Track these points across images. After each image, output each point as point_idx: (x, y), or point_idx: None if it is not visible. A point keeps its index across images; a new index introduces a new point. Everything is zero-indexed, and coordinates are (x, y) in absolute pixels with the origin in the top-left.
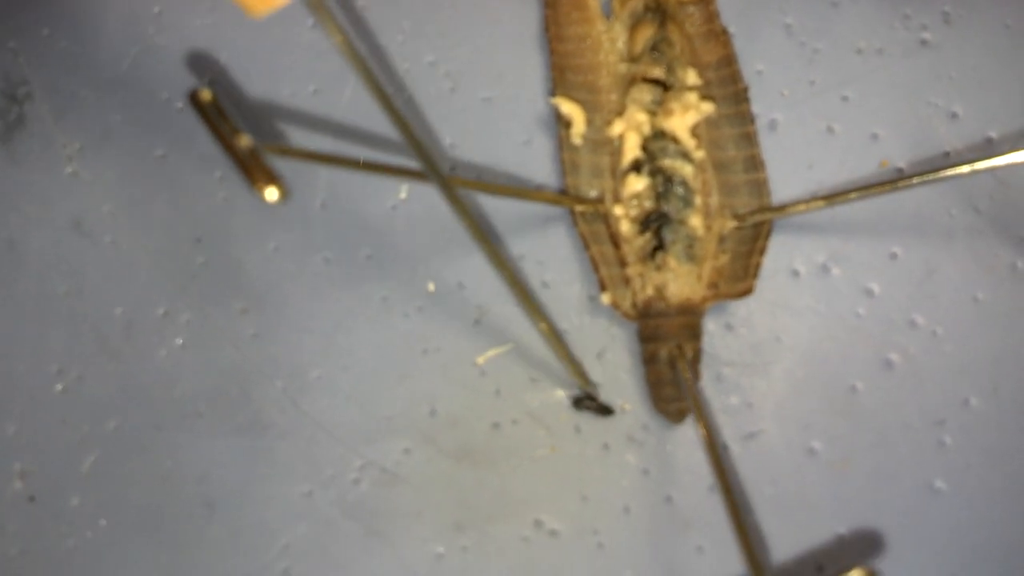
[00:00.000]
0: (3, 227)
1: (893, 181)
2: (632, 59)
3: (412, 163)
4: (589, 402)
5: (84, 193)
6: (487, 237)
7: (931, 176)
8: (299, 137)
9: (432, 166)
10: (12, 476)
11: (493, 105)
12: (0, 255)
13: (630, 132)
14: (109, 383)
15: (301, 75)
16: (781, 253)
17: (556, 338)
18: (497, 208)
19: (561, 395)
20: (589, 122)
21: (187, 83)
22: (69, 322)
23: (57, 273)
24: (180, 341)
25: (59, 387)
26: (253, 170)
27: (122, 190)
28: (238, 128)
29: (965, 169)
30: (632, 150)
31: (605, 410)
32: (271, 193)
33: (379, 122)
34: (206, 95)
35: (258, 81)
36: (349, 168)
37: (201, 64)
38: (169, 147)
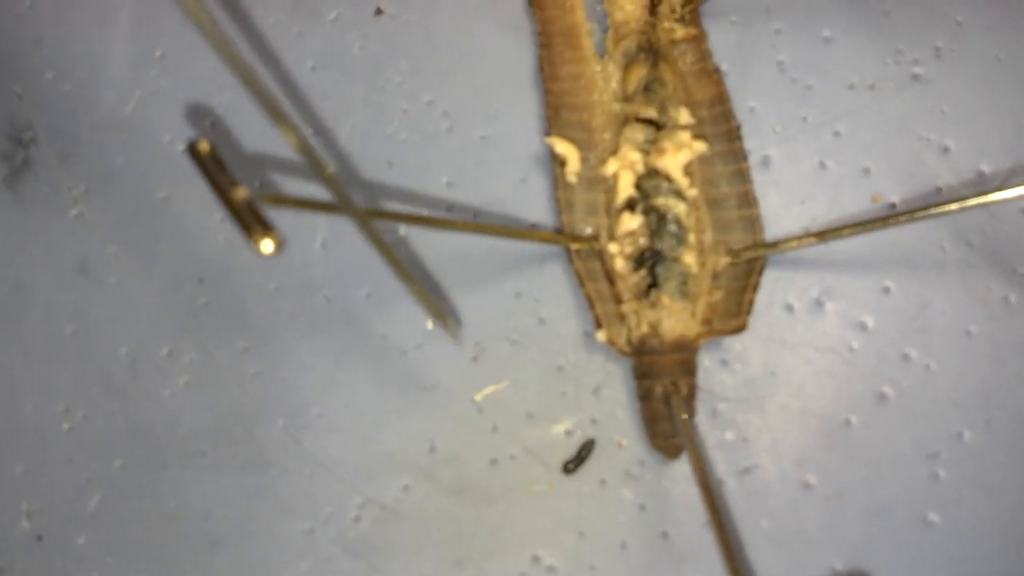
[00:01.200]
0: (10, 268)
1: (885, 218)
2: (626, 98)
3: (407, 204)
4: (578, 458)
5: (89, 235)
6: (402, 264)
7: (923, 213)
8: (299, 178)
9: (346, 200)
10: (20, 515)
11: (489, 144)
12: (7, 296)
13: (624, 171)
14: (115, 422)
15: (300, 117)
16: (775, 288)
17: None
18: (494, 246)
19: (558, 431)
20: (584, 160)
21: (189, 126)
22: (75, 362)
23: (63, 313)
24: (184, 380)
25: (66, 426)
26: (249, 223)
27: (126, 232)
28: (235, 180)
29: (955, 206)
30: (626, 188)
31: (589, 446)
32: (266, 246)
33: (378, 163)
34: (204, 147)
35: (258, 123)
36: (345, 215)
37: (202, 107)
38: (171, 189)
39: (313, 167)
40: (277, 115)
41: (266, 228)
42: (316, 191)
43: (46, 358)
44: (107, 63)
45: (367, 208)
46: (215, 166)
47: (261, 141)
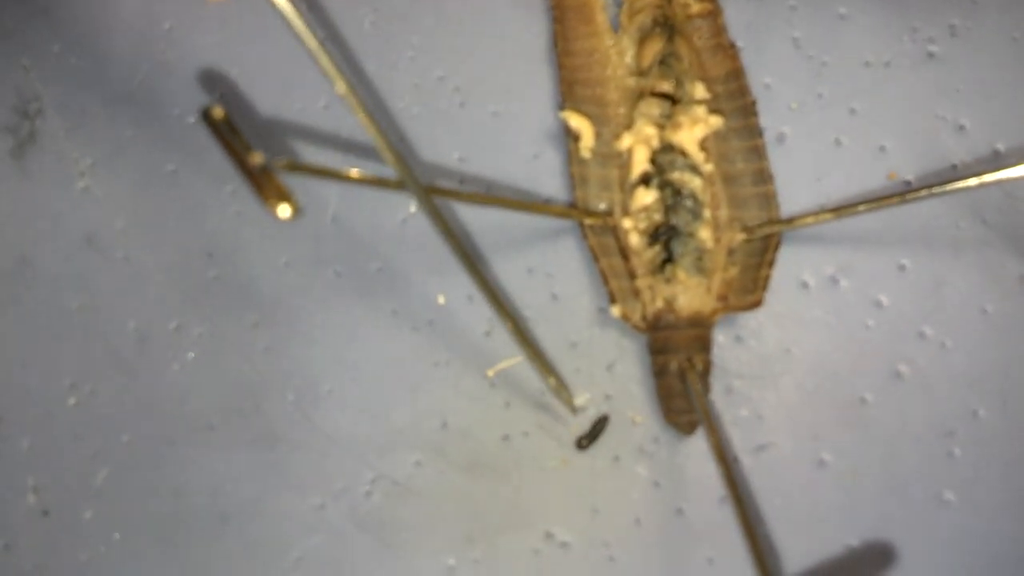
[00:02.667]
0: (16, 243)
1: (901, 194)
2: (640, 73)
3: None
4: (592, 434)
5: (96, 208)
6: (470, 256)
7: (939, 189)
8: (310, 151)
9: (411, 177)
10: (26, 490)
11: (502, 119)
12: (13, 270)
13: (639, 145)
14: (122, 397)
15: (311, 90)
16: (790, 265)
17: (542, 361)
18: (507, 221)
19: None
20: (598, 135)
21: (198, 99)
22: (82, 337)
23: (70, 288)
24: (192, 355)
25: (72, 401)
26: (265, 187)
27: (134, 205)
28: (250, 145)
29: (973, 182)
30: (641, 163)
31: (603, 422)
32: (283, 210)
33: (390, 136)
34: (218, 112)
35: (268, 96)
36: (360, 183)
37: (212, 80)
38: (180, 162)
39: (379, 145)
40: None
41: (282, 193)
42: (329, 164)
43: (53, 333)
44: (115, 36)
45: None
46: (229, 132)
47: (270, 113)
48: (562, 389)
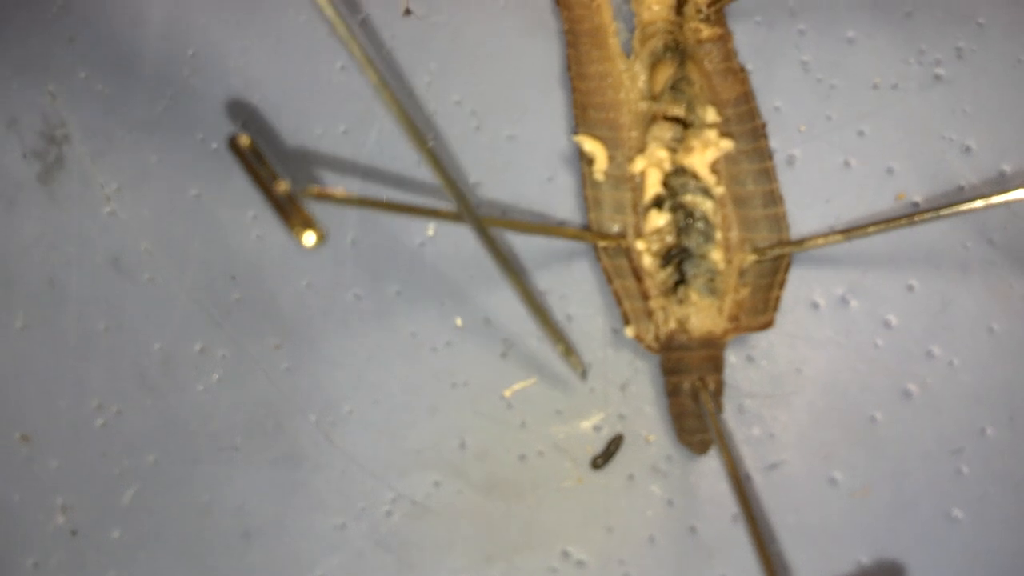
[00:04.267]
0: (44, 266)
1: (909, 216)
2: (653, 97)
3: (441, 203)
4: (607, 454)
5: (122, 232)
6: (515, 271)
7: (947, 211)
8: (330, 175)
9: (468, 208)
10: (55, 510)
11: (517, 143)
12: (41, 293)
13: (651, 169)
14: (148, 418)
15: (331, 115)
16: (800, 286)
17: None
18: (522, 244)
19: (586, 426)
20: (611, 159)
21: (221, 124)
22: (108, 358)
23: (96, 310)
24: (216, 376)
25: (99, 422)
26: (291, 215)
27: (159, 229)
28: (276, 173)
29: (979, 204)
30: (653, 186)
31: (617, 441)
32: (308, 238)
33: (406, 160)
34: (245, 140)
35: (290, 121)
36: (383, 210)
37: (235, 105)
38: (204, 187)
39: (442, 181)
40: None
41: (307, 221)
42: (348, 188)
43: (80, 354)
44: (140, 62)
45: (485, 216)
46: (256, 160)
47: (293, 139)
48: (571, 354)
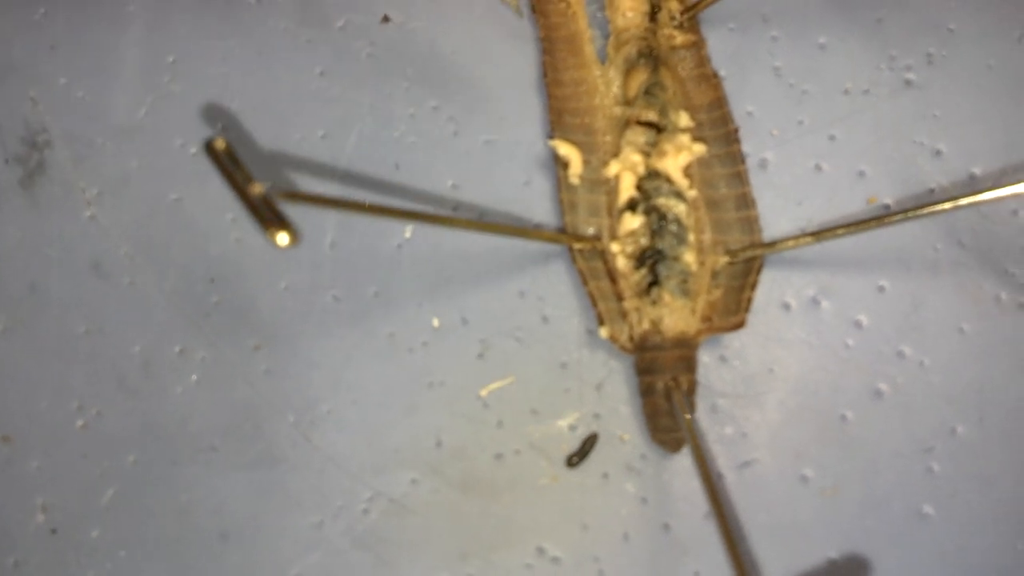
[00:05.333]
0: (26, 270)
1: (879, 218)
2: (627, 103)
3: (417, 205)
4: (582, 452)
5: (102, 236)
6: None
7: (915, 213)
8: (309, 179)
9: None
10: (35, 509)
11: (494, 147)
12: (23, 297)
13: (625, 172)
14: (128, 419)
15: (310, 121)
16: (772, 287)
17: None
18: (499, 246)
19: (562, 426)
20: (586, 163)
21: (200, 129)
22: (89, 361)
23: (77, 313)
24: (195, 378)
25: (80, 423)
26: (265, 217)
27: (139, 233)
28: (251, 176)
29: (948, 206)
30: (627, 190)
31: (592, 440)
32: (282, 238)
33: (385, 164)
34: (220, 144)
35: (269, 127)
36: (356, 211)
37: (214, 111)
38: (183, 191)
39: None
40: None
41: (282, 222)
42: (326, 191)
43: (61, 357)
44: (120, 69)
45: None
46: (231, 163)
47: (272, 144)
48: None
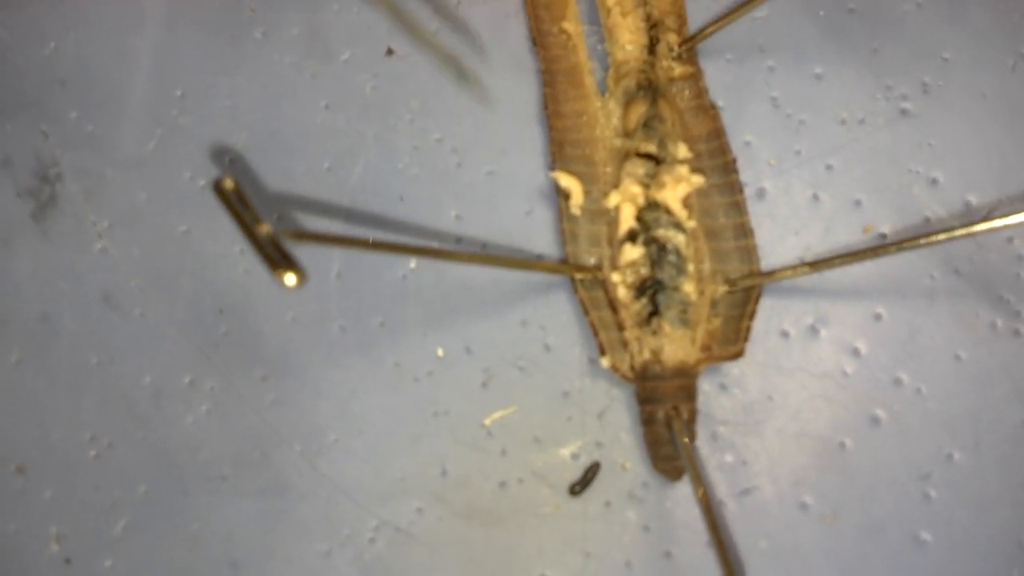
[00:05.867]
0: (37, 301)
1: (876, 248)
2: (626, 134)
3: (421, 240)
4: (584, 481)
5: (113, 268)
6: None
7: (911, 243)
8: (314, 211)
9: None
10: (49, 539)
11: (497, 178)
12: (34, 328)
13: (625, 204)
14: (139, 449)
15: (315, 153)
16: (771, 316)
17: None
18: (502, 276)
19: (565, 454)
20: (587, 193)
21: (208, 162)
22: (100, 391)
23: (88, 344)
24: (205, 408)
25: (92, 453)
26: (272, 257)
27: (149, 265)
28: (259, 216)
29: (943, 237)
30: (627, 221)
31: (594, 468)
32: (290, 279)
33: (389, 195)
34: (229, 184)
35: (275, 158)
36: (362, 248)
37: (221, 144)
38: (192, 223)
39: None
40: None
41: (289, 263)
42: (332, 224)
43: (73, 388)
44: (129, 102)
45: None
46: (239, 202)
47: (279, 177)
48: (461, 68)
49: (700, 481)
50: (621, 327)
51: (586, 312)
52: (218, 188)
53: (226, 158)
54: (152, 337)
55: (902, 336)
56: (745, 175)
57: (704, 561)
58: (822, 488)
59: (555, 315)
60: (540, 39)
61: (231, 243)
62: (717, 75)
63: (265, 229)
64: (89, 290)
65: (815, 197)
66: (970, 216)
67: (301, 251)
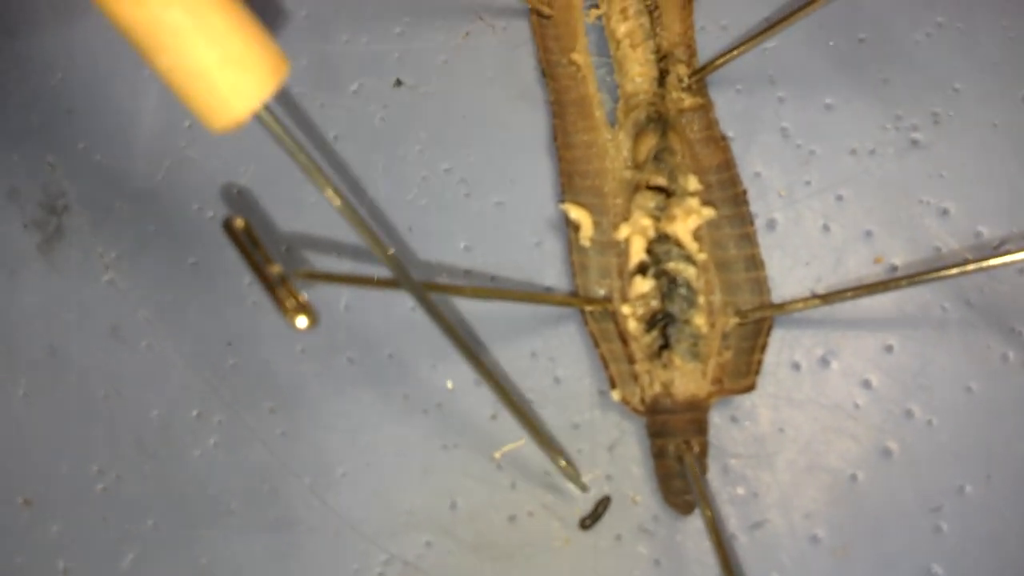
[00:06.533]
0: (45, 333)
1: (886, 281)
2: (636, 166)
3: (427, 270)
4: (594, 515)
5: (121, 300)
6: (471, 348)
7: (922, 277)
8: (323, 243)
9: (406, 276)
10: (56, 573)
11: (506, 209)
12: (42, 360)
13: (635, 236)
14: (147, 483)
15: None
16: (782, 347)
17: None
18: (510, 308)
19: (574, 488)
20: (596, 225)
21: (217, 194)
22: (108, 424)
23: (96, 377)
24: (213, 441)
25: (99, 487)
26: (283, 298)
27: (157, 297)
28: (270, 257)
29: (954, 271)
30: (638, 253)
31: (605, 502)
32: (301, 321)
33: (398, 227)
34: (240, 223)
35: (284, 190)
36: (372, 287)
37: (230, 176)
38: (200, 255)
39: (374, 249)
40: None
41: (300, 304)
42: (340, 256)
43: (80, 420)
44: (137, 134)
45: (424, 281)
46: (249, 242)
47: (287, 209)
48: (571, 469)
49: (712, 516)
50: (631, 360)
51: (596, 344)
52: (228, 227)
53: (234, 190)
54: (160, 370)
55: (913, 368)
56: (755, 206)
57: None
58: (833, 521)
59: (565, 347)
60: (549, 70)
61: (240, 275)
62: (727, 106)
63: (276, 269)
64: (96, 322)
65: (826, 228)
66: (981, 247)
67: (310, 284)
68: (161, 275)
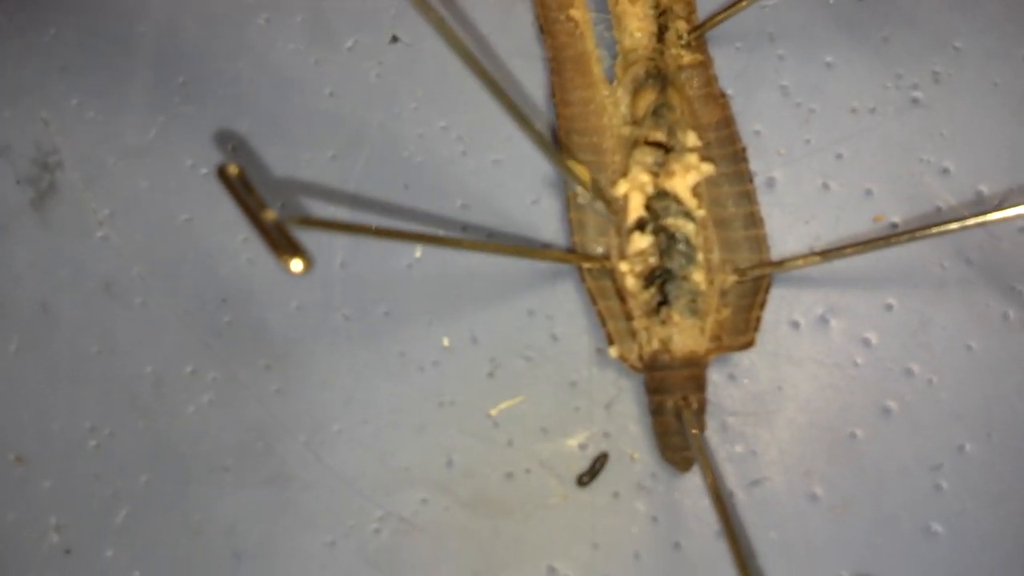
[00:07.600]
0: (37, 290)
1: (886, 237)
2: (635, 122)
3: (426, 228)
4: (592, 472)
5: (114, 257)
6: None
7: (922, 233)
8: (319, 200)
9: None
10: (48, 530)
11: (503, 167)
12: (35, 317)
13: (634, 192)
14: (140, 439)
15: (319, 141)
16: (781, 305)
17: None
18: (508, 265)
19: (572, 445)
20: (594, 182)
21: (211, 150)
22: (101, 381)
23: (89, 334)
24: (207, 398)
25: (92, 443)
26: (278, 243)
27: (151, 253)
28: (264, 203)
29: (955, 226)
30: (636, 209)
31: (602, 459)
32: (296, 265)
33: (394, 184)
34: (233, 170)
35: (278, 147)
36: (366, 235)
37: (224, 132)
38: (194, 211)
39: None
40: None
41: (295, 248)
42: (336, 212)
43: (73, 377)
44: (131, 90)
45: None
46: (243, 188)
47: (281, 164)
48: (580, 169)
49: (711, 472)
50: (629, 317)
51: (594, 301)
52: (222, 174)
53: (229, 146)
54: (153, 326)
55: (913, 326)
56: (755, 164)
57: (713, 552)
58: (832, 479)
59: (562, 304)
60: (547, 26)
61: (234, 231)
62: (726, 63)
63: (270, 215)
64: (90, 279)
65: (825, 186)
66: (982, 205)
67: (306, 238)
68: (155, 232)
